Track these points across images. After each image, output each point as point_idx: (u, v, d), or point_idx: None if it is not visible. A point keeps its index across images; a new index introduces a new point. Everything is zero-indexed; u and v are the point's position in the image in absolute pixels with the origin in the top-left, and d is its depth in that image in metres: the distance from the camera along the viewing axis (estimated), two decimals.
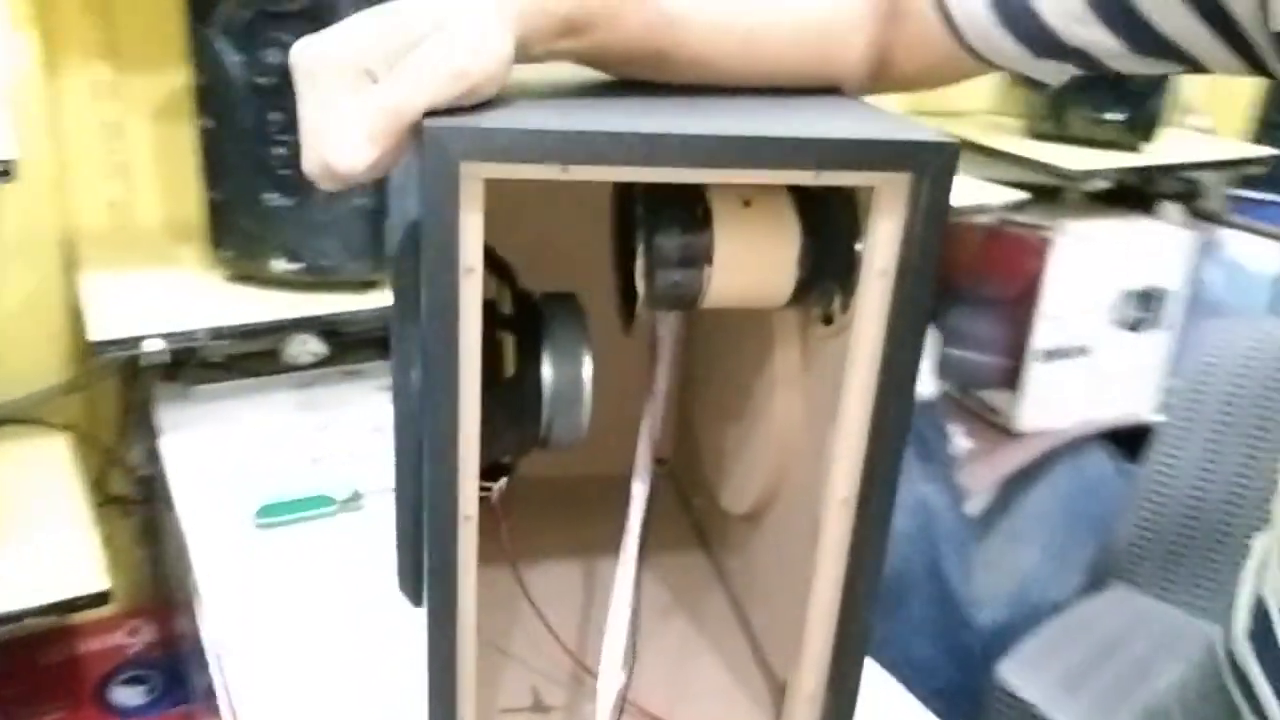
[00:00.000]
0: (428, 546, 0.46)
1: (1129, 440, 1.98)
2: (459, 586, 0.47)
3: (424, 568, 0.50)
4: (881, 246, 0.45)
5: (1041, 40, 0.51)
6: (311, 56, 0.41)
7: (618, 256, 0.55)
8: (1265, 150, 1.97)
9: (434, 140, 0.38)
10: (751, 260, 0.49)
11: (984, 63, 0.55)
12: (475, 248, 0.41)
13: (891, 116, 0.46)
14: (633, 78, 0.49)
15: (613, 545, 0.68)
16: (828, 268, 0.50)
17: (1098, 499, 1.80)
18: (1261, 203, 2.00)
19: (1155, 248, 1.82)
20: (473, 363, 0.43)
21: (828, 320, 0.52)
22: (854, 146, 0.43)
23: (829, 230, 0.49)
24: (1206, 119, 2.11)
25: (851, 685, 0.54)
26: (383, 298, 0.98)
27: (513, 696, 0.58)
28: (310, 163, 0.41)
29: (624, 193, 0.53)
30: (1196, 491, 1.47)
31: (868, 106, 0.49)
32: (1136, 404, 2.12)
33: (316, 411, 0.96)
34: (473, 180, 0.39)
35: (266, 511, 0.78)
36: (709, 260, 0.48)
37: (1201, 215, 1.98)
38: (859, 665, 0.53)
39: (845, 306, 0.50)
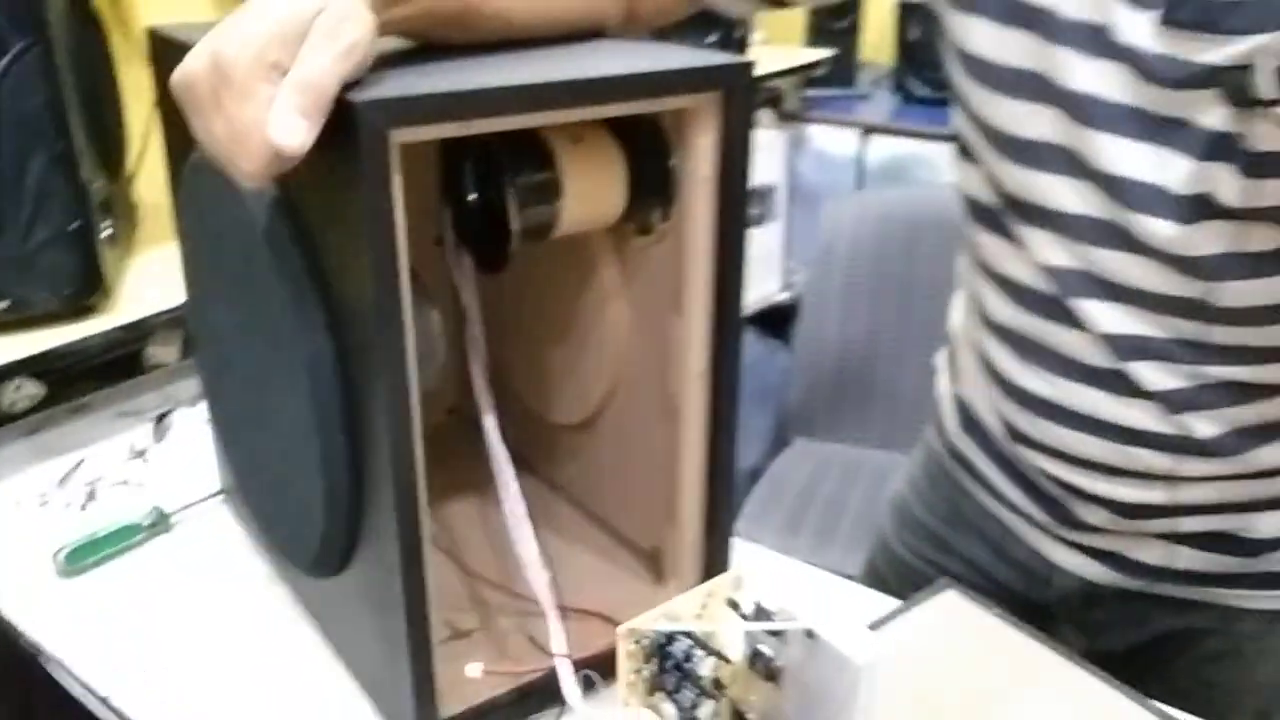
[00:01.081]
0: (396, 492, 0.49)
1: (768, 321, 2.27)
2: (423, 526, 0.51)
3: (360, 524, 0.53)
4: (703, 157, 0.55)
5: None
6: (216, 63, 0.42)
7: (458, 212, 0.60)
8: (823, 52, 2.31)
9: (366, 112, 0.42)
10: (591, 188, 0.57)
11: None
12: (402, 210, 0.45)
13: (686, 49, 0.56)
14: (441, 40, 0.54)
15: (468, 482, 0.74)
16: (648, 186, 0.58)
17: (759, 375, 2.05)
18: (830, 98, 2.35)
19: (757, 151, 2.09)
20: (409, 321, 0.47)
21: (645, 232, 0.61)
22: (677, 75, 0.52)
23: (646, 154, 0.57)
24: (762, 33, 2.42)
25: (726, 530, 0.64)
26: (100, 323, 0.93)
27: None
28: (244, 158, 0.43)
29: (454, 154, 0.58)
30: (842, 348, 1.75)
31: (659, 44, 0.58)
32: (767, 289, 2.43)
33: (59, 456, 0.89)
34: (395, 146, 0.43)
35: (74, 557, 0.73)
36: (560, 193, 0.55)
37: (786, 116, 2.29)
38: (732, 514, 0.64)
39: (666, 216, 0.59)
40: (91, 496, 0.83)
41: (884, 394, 1.72)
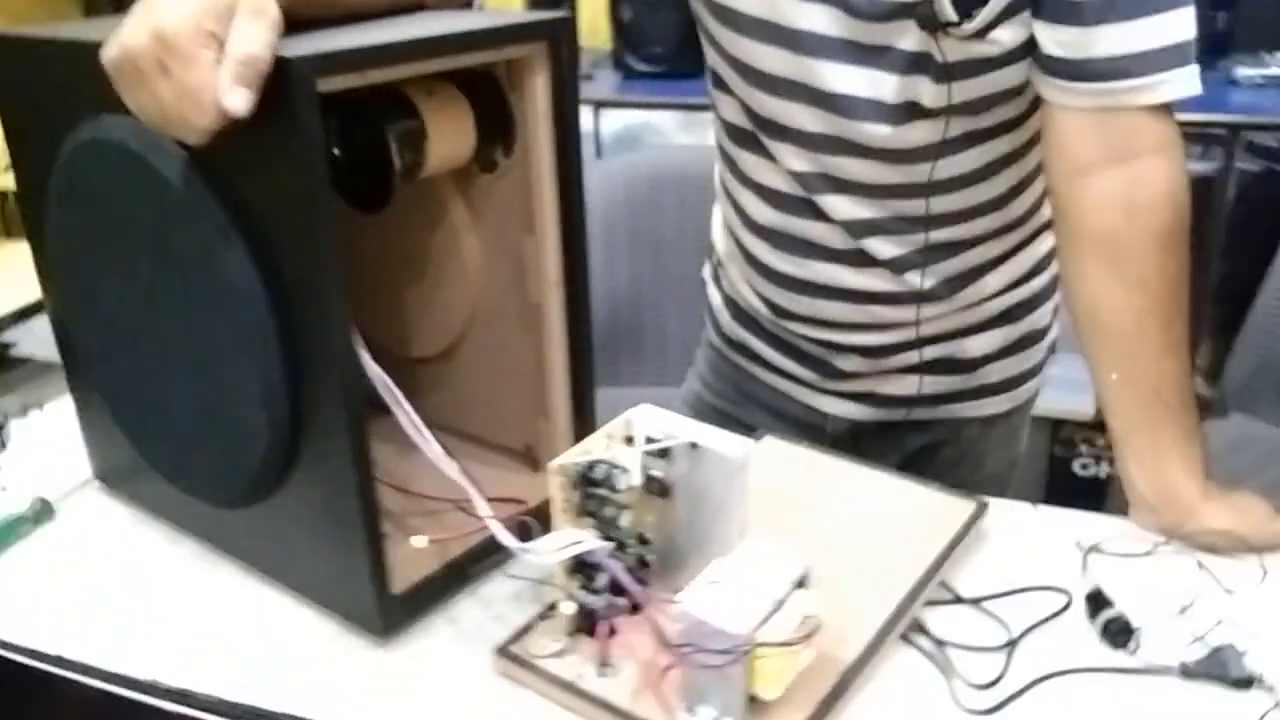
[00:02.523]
0: (346, 400, 0.58)
1: None
2: (366, 429, 0.60)
3: (299, 443, 0.61)
4: (540, 96, 0.67)
5: None
6: (158, 36, 0.50)
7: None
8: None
9: (298, 65, 0.51)
10: (449, 132, 0.67)
11: None
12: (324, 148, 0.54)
13: (514, 12, 0.68)
14: (308, 17, 0.63)
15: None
16: (492, 128, 0.70)
17: None
18: None
19: None
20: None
21: (490, 169, 0.72)
22: (519, 28, 0.64)
23: (487, 101, 0.69)
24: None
25: (592, 413, 0.77)
26: None
27: None
28: (196, 115, 0.51)
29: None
30: (611, 300, 1.90)
31: (480, 11, 0.70)
32: None
33: None
34: (316, 94, 0.53)
35: None
36: (425, 137, 0.66)
37: None
38: (593, 400, 0.77)
39: (509, 153, 0.71)
40: None
41: (651, 336, 1.89)
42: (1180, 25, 0.70)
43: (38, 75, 0.69)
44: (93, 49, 0.64)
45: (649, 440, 0.62)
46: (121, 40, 0.52)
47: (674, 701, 0.58)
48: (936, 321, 0.91)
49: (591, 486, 0.61)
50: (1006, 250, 0.91)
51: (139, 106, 0.54)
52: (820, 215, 0.88)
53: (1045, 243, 0.94)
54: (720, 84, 0.90)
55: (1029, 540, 0.74)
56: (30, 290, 1.10)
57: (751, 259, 0.95)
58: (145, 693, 0.65)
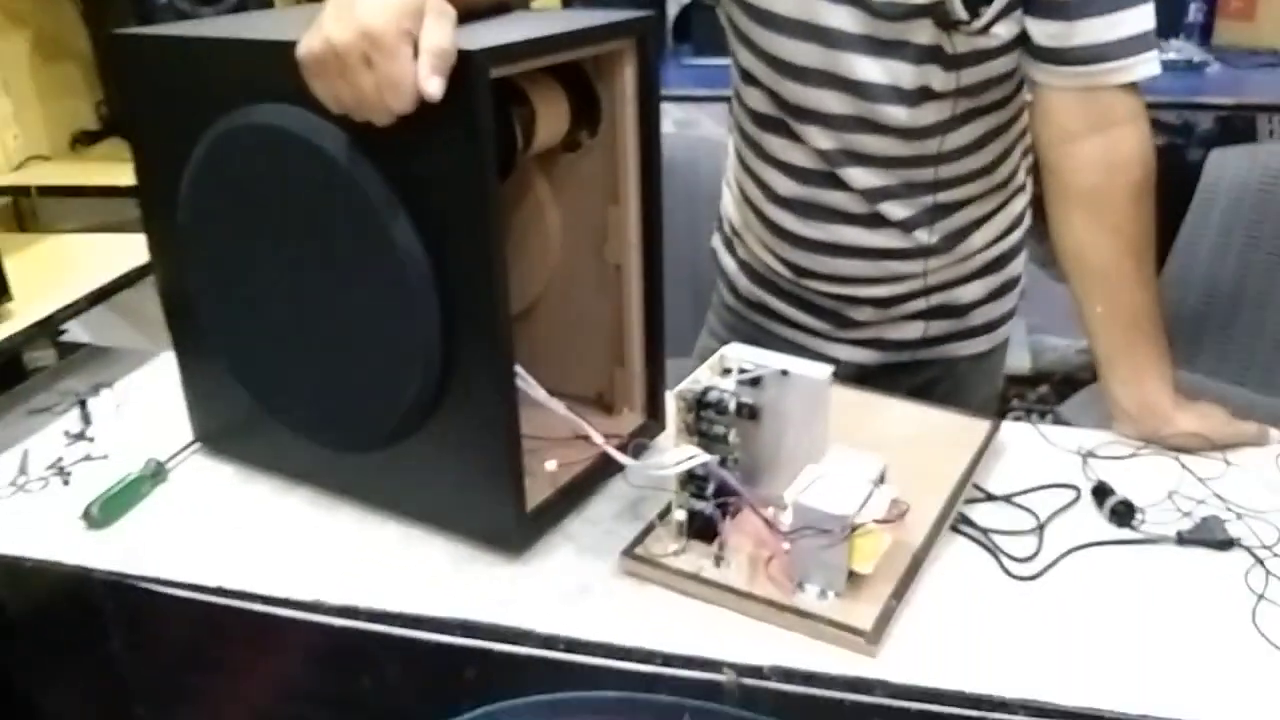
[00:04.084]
0: (499, 344, 0.68)
1: None
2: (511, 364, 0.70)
3: (448, 383, 0.71)
4: (629, 84, 0.78)
5: None
6: (365, 33, 0.60)
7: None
8: None
9: (477, 57, 0.61)
10: (552, 116, 0.78)
11: None
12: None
13: (602, 11, 0.78)
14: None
15: None
16: (582, 113, 0.80)
17: None
18: None
19: None
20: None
21: (574, 149, 0.83)
22: (618, 25, 0.75)
23: (578, 89, 0.80)
24: None
25: (662, 360, 0.88)
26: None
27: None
28: (395, 102, 0.61)
29: None
30: None
31: (582, 10, 0.80)
32: None
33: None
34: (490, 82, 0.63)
35: (106, 509, 0.81)
36: (536, 119, 0.76)
37: None
38: (663, 348, 0.88)
39: (593, 134, 0.81)
40: (61, 472, 0.90)
41: None
42: (1144, 18, 0.85)
43: (175, 71, 0.77)
44: (240, 45, 0.74)
45: (742, 371, 0.74)
46: (326, 36, 0.61)
47: (784, 581, 0.70)
48: (938, 273, 1.05)
49: (704, 409, 0.72)
50: (992, 209, 1.05)
51: (334, 94, 0.63)
52: (841, 185, 1.01)
53: (1019, 203, 1.09)
54: (748, 78, 1.02)
55: (1036, 450, 0.89)
56: (82, 282, 1.16)
57: (775, 227, 1.08)
58: (310, 611, 0.74)
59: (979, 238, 1.06)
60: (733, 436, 0.73)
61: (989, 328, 1.13)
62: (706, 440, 0.73)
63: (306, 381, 0.79)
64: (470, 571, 0.76)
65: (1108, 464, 0.86)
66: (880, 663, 0.66)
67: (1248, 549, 0.75)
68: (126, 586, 0.77)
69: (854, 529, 0.67)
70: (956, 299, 1.09)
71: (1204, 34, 2.42)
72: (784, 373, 0.74)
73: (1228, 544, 0.75)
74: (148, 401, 1.02)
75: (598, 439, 0.76)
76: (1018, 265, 1.12)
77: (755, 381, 0.74)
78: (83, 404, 1.01)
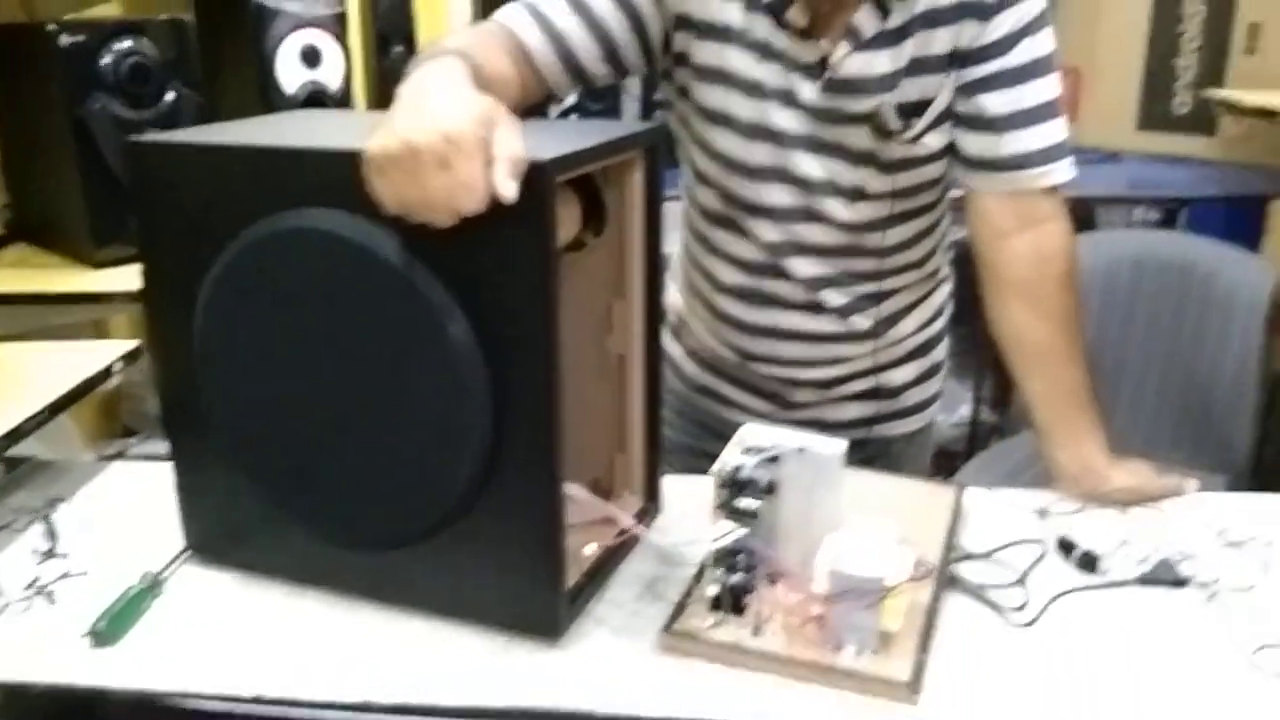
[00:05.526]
0: (549, 438, 0.72)
1: None
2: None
3: (492, 473, 0.74)
4: (638, 188, 0.85)
5: None
6: (447, 137, 0.64)
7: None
8: None
9: (546, 165, 0.66)
10: (565, 219, 0.83)
11: None
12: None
13: (618, 123, 0.85)
14: None
15: None
16: (592, 215, 0.86)
17: None
18: None
19: None
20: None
21: (579, 247, 0.88)
22: (635, 136, 0.82)
23: (589, 194, 0.86)
24: None
25: (659, 444, 0.93)
26: None
27: None
28: (467, 203, 0.65)
29: None
30: None
31: (599, 121, 0.86)
32: None
33: None
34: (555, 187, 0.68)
35: (112, 626, 0.78)
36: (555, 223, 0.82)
37: None
38: (660, 435, 0.93)
39: (598, 234, 0.87)
40: (42, 591, 0.86)
41: None
42: (1059, 129, 0.99)
43: (201, 178, 0.78)
44: (280, 153, 0.76)
45: (760, 450, 0.80)
46: (405, 137, 0.65)
47: (823, 643, 0.75)
48: (871, 357, 1.15)
49: (735, 487, 0.78)
50: (920, 297, 1.17)
51: (397, 194, 0.66)
52: (784, 275, 1.10)
53: (943, 292, 1.21)
54: (701, 178, 1.11)
55: (995, 511, 0.98)
56: (35, 396, 1.11)
57: (721, 315, 1.15)
58: (360, 711, 0.73)
59: (909, 323, 1.17)
60: (759, 512, 0.78)
61: (920, 408, 1.23)
62: (736, 515, 0.78)
63: (337, 480, 0.80)
64: (512, 658, 0.77)
65: (1060, 520, 0.96)
66: (922, 709, 0.72)
67: (1199, 585, 0.86)
68: (152, 704, 0.74)
69: (888, 589, 0.74)
70: (890, 381, 1.19)
71: None
72: (800, 450, 0.80)
73: (1182, 582, 0.86)
74: (115, 514, 0.99)
75: (628, 523, 0.80)
76: (942, 350, 1.24)
77: (774, 459, 0.80)
78: (47, 519, 0.96)
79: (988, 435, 2.26)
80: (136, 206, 0.80)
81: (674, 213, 1.19)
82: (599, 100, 2.28)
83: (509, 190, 0.65)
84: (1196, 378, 1.79)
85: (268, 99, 1.78)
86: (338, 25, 1.88)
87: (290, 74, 1.81)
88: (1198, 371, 1.79)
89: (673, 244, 1.28)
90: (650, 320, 0.89)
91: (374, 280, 0.72)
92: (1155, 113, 2.59)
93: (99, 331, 1.48)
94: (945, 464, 2.01)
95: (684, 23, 1.00)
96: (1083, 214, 2.32)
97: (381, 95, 2.40)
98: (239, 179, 0.76)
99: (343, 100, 1.91)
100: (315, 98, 1.85)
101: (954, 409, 2.41)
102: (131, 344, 1.17)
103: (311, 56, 1.84)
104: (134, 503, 1.00)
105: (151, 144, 0.79)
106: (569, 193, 0.84)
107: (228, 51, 1.84)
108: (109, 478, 1.06)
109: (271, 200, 0.75)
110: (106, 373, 1.10)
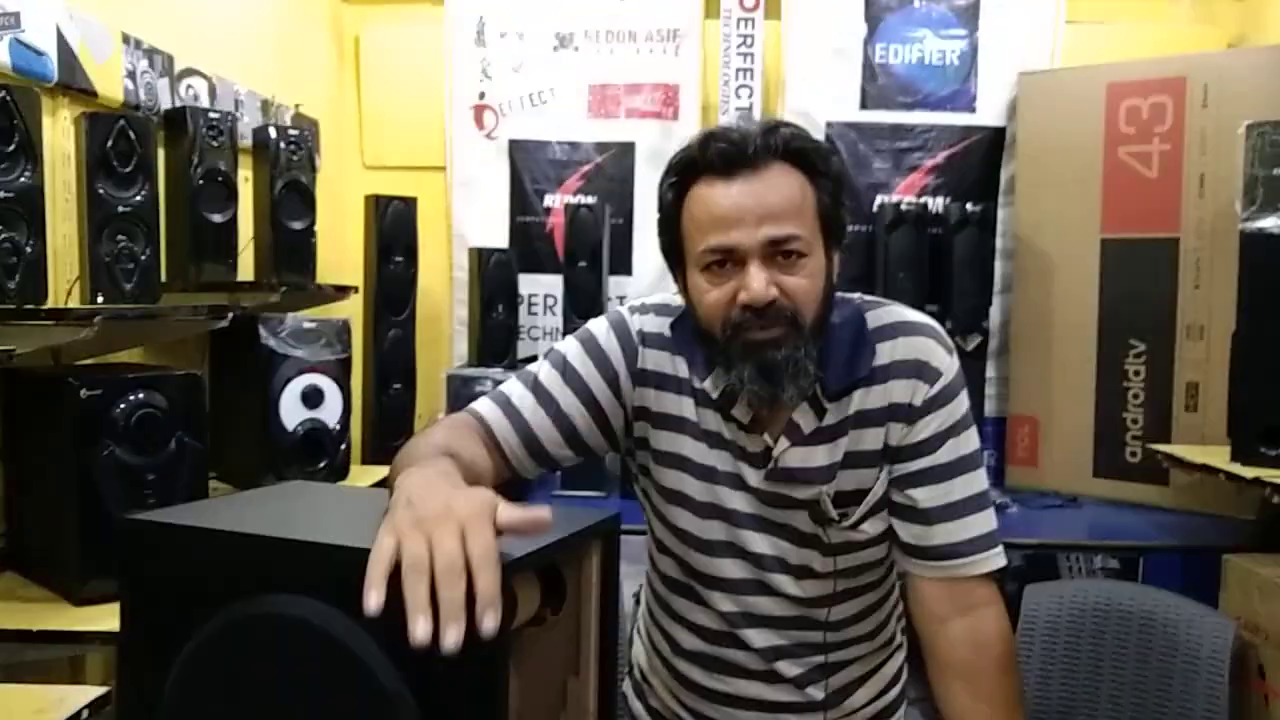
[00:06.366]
0: None
1: None
2: None
3: None
4: (594, 570, 0.92)
5: None
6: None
7: None
8: None
9: (505, 566, 0.73)
10: (526, 600, 0.89)
11: None
12: None
13: (580, 511, 0.93)
14: None
15: None
16: (552, 595, 0.92)
17: None
18: None
19: None
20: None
21: (538, 623, 0.94)
22: (597, 525, 0.90)
23: (550, 576, 0.92)
24: None
25: None
26: None
27: None
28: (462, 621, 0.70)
29: None
30: None
31: (565, 508, 0.95)
32: None
33: None
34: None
35: None
36: (515, 605, 0.88)
37: None
38: None
39: (556, 612, 0.93)
40: None
41: None
42: (988, 520, 1.08)
43: (191, 558, 0.84)
44: (262, 541, 0.83)
45: None
46: (439, 545, 0.71)
47: None
48: None
49: None
50: (872, 669, 1.21)
51: (414, 595, 0.72)
52: (741, 645, 1.14)
53: (897, 661, 1.25)
54: (661, 547, 1.19)
55: None
56: None
57: (682, 678, 1.19)
58: None
59: (862, 694, 1.20)
60: None
61: None
62: None
63: None
64: None
65: None
66: None
67: None
68: None
69: None
70: None
71: (997, 477, 2.80)
72: None
73: None
74: None
75: None
76: (900, 718, 1.26)
77: None
78: None
79: None
80: (124, 579, 0.86)
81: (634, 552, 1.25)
82: None
83: (490, 624, 0.71)
84: None
85: (267, 438, 1.90)
86: (342, 369, 2.02)
87: (291, 414, 1.93)
88: None
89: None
90: (603, 698, 0.93)
91: (336, 665, 0.77)
92: (1109, 461, 2.72)
93: (74, 666, 1.49)
94: None
95: (643, 413, 1.12)
96: (1045, 560, 2.40)
97: (377, 431, 2.53)
98: (220, 564, 0.82)
99: (339, 436, 2.02)
100: (313, 435, 1.97)
101: None
102: (100, 690, 1.18)
103: (313, 397, 1.97)
104: None
105: (147, 524, 0.86)
106: (529, 574, 0.91)
107: (235, 395, 1.97)
108: None
109: (248, 584, 0.81)
110: None
